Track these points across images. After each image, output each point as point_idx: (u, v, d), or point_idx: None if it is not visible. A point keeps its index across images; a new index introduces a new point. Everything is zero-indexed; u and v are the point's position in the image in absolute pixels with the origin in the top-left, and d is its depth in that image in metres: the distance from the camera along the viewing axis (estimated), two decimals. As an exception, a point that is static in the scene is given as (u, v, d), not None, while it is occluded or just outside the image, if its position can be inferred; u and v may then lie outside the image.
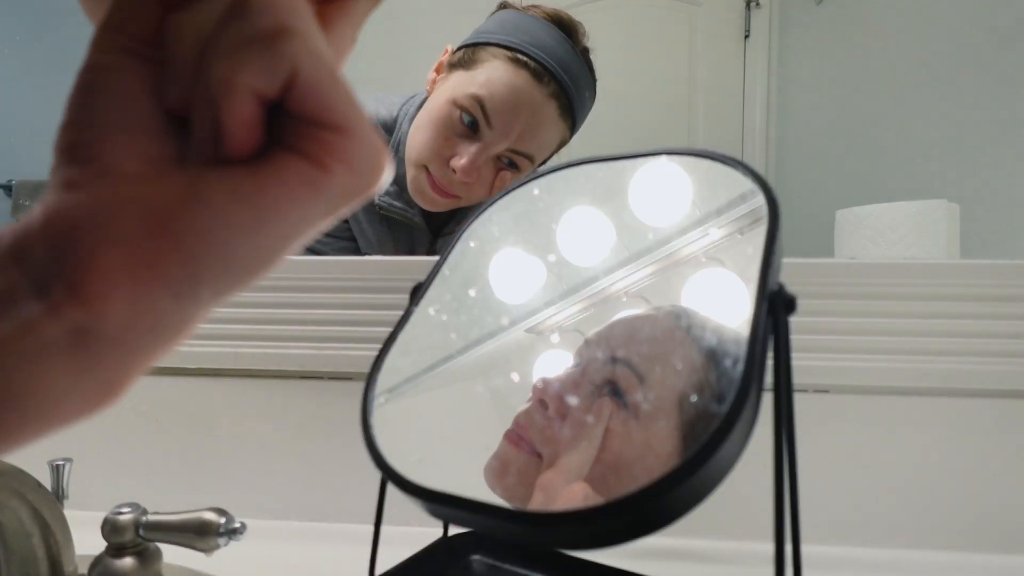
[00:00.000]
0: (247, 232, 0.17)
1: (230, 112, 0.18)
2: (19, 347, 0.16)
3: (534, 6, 0.84)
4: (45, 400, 0.17)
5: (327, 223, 0.19)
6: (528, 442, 0.34)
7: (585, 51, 0.84)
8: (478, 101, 0.78)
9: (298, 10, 0.18)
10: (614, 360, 0.33)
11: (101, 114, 0.18)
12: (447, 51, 0.85)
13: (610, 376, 0.33)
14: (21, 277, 0.17)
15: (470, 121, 0.79)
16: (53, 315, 0.17)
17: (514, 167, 0.83)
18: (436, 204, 0.86)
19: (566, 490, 0.32)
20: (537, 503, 0.32)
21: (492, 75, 0.78)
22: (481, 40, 0.81)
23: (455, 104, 0.79)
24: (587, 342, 0.36)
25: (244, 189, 0.18)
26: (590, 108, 0.87)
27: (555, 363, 0.37)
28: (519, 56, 0.78)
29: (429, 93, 0.87)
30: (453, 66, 0.83)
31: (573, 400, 0.34)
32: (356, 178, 0.19)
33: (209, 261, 0.17)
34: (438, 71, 0.86)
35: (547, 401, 0.34)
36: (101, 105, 0.18)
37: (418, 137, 0.84)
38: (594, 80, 0.85)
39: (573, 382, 0.34)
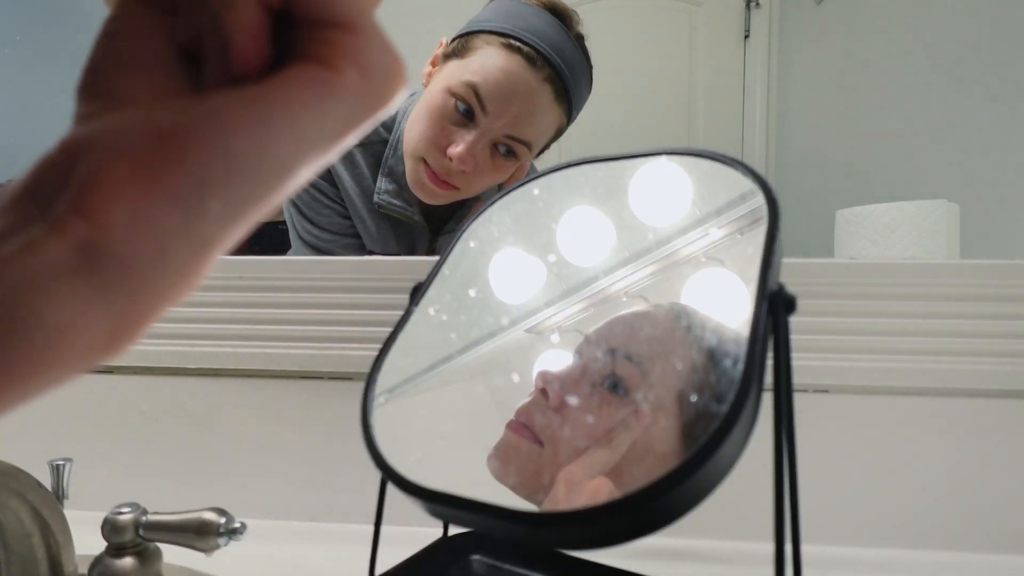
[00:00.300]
0: (255, 138, 0.17)
1: (235, 23, 0.17)
2: (22, 268, 0.15)
3: None
4: (54, 331, 0.16)
5: (339, 142, 0.18)
6: (531, 430, 0.34)
7: (580, 37, 0.83)
8: (472, 87, 0.78)
9: None
10: (614, 353, 0.34)
11: (117, 55, 0.18)
12: (442, 44, 0.85)
13: (612, 370, 0.33)
14: (32, 207, 0.16)
15: (465, 108, 0.79)
16: (57, 232, 0.16)
17: (512, 155, 0.83)
18: (436, 196, 0.86)
19: (590, 484, 0.32)
20: (560, 495, 0.32)
21: (485, 61, 0.78)
22: (474, 28, 0.81)
23: (449, 92, 0.79)
24: (587, 339, 0.36)
25: (251, 95, 0.17)
26: (587, 95, 0.87)
27: (555, 361, 0.37)
28: (512, 41, 0.78)
29: (425, 86, 0.87)
30: (447, 56, 0.83)
31: (574, 391, 0.34)
32: (369, 82, 0.18)
33: (216, 168, 0.16)
34: (433, 64, 0.86)
35: (548, 391, 0.34)
36: (117, 47, 0.18)
37: (415, 129, 0.84)
38: (590, 67, 0.85)
39: (574, 376, 0.34)
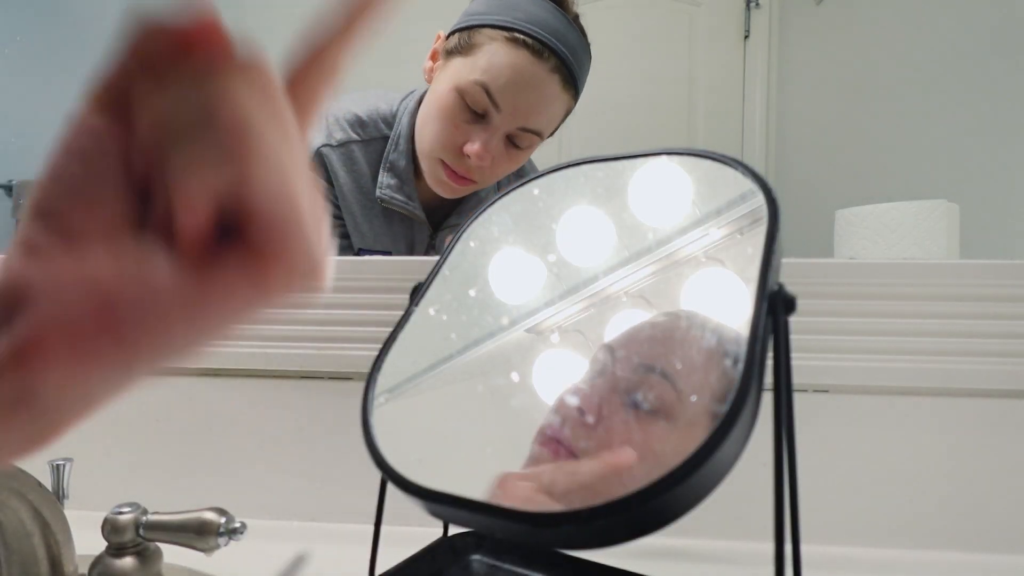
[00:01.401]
0: (185, 325, 0.19)
1: (183, 217, 0.18)
2: None
3: None
4: None
5: (252, 316, 0.21)
6: (564, 444, 0.33)
7: (576, 17, 0.83)
8: (482, 86, 0.78)
9: (261, 124, 0.18)
10: (649, 369, 0.33)
11: (73, 177, 0.19)
12: (439, 37, 0.85)
13: (648, 387, 0.32)
14: None
15: (477, 107, 0.80)
16: None
17: (524, 144, 0.84)
18: (456, 191, 0.88)
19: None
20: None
21: (492, 59, 0.78)
22: (475, 23, 0.80)
23: (459, 92, 0.80)
24: (610, 350, 0.35)
25: (190, 288, 0.18)
26: (588, 71, 0.87)
27: (568, 369, 0.37)
28: (516, 35, 0.77)
29: (428, 82, 0.87)
30: (450, 53, 0.82)
31: (610, 406, 0.33)
32: (295, 278, 0.20)
33: (145, 348, 0.18)
34: (433, 59, 0.85)
35: (585, 406, 0.33)
36: (74, 165, 0.19)
37: (428, 130, 0.85)
38: (588, 44, 0.85)
39: (605, 392, 0.33)
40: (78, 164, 0.19)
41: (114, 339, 0.18)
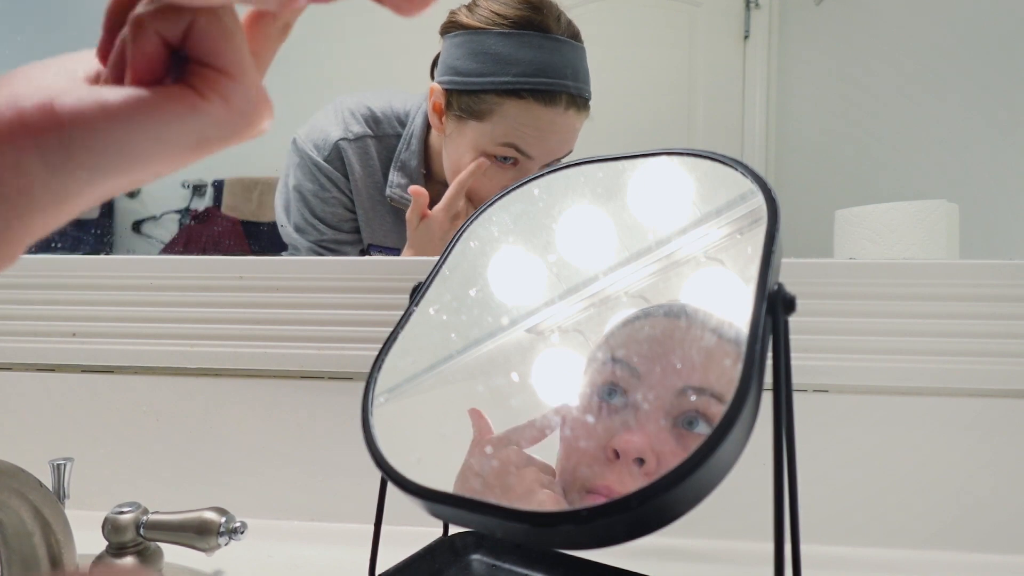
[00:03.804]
0: (123, 126, 0.21)
1: (137, 48, 0.22)
2: None
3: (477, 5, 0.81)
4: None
5: (196, 153, 0.23)
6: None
7: (562, 29, 0.81)
8: (509, 146, 0.80)
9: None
10: (686, 392, 0.32)
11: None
12: (433, 91, 0.84)
13: (694, 408, 0.32)
14: None
15: (510, 160, 0.82)
16: None
17: (552, 164, 0.85)
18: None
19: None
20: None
21: (510, 123, 0.79)
22: (474, 87, 0.79)
23: (487, 155, 0.82)
24: (634, 373, 0.33)
25: (132, 95, 0.21)
26: (587, 65, 0.86)
27: (568, 369, 0.37)
28: (522, 93, 0.78)
29: (439, 132, 0.87)
30: (461, 116, 0.82)
31: (654, 444, 0.32)
32: (232, 114, 0.23)
33: (85, 140, 0.20)
34: (437, 111, 0.85)
35: (645, 459, 0.31)
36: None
37: (453, 173, 0.85)
38: (582, 43, 0.84)
39: (641, 426, 0.32)
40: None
41: (53, 126, 0.20)
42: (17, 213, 0.20)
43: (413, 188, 0.83)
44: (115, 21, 0.23)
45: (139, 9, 0.22)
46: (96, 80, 0.23)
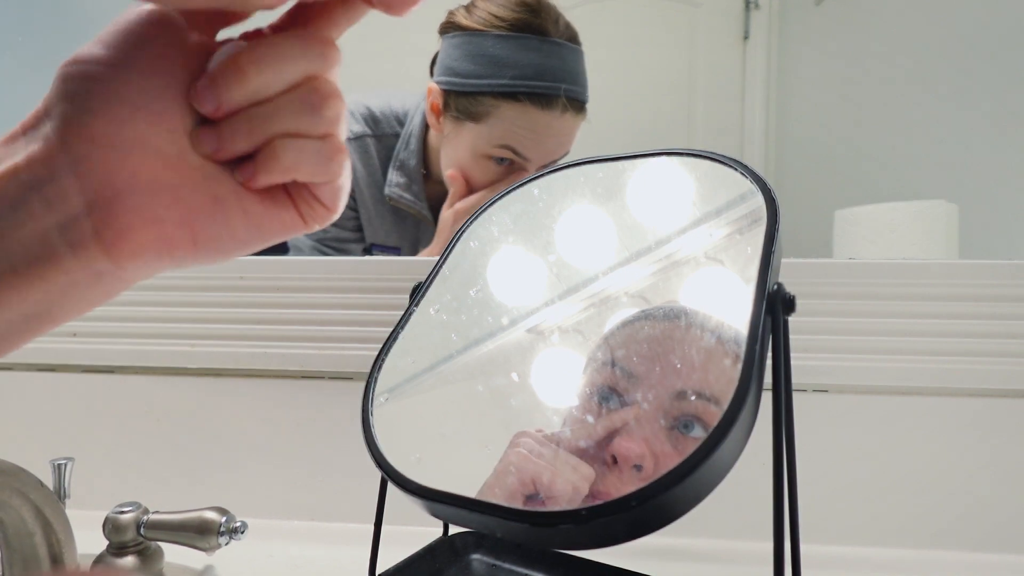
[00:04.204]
0: (238, 241, 0.25)
1: (270, 179, 0.25)
2: (52, 283, 0.22)
3: (475, 7, 0.81)
4: (63, 318, 0.23)
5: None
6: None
7: (559, 26, 0.80)
8: (506, 148, 0.81)
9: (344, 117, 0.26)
10: (683, 396, 0.32)
11: (140, 61, 0.22)
12: (431, 91, 0.84)
13: (691, 412, 0.31)
14: (48, 216, 0.21)
15: (506, 162, 0.82)
16: (81, 258, 0.22)
17: (550, 165, 0.85)
18: None
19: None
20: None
21: (507, 126, 0.79)
22: (471, 89, 0.80)
23: (485, 156, 0.82)
24: (631, 377, 0.33)
25: (252, 213, 0.25)
26: (585, 65, 0.86)
27: (568, 369, 0.37)
28: (519, 96, 0.78)
29: (437, 131, 0.87)
30: (458, 118, 0.82)
31: (650, 449, 0.32)
32: (309, 231, 0.28)
33: (207, 252, 0.25)
34: (435, 111, 0.85)
35: (642, 464, 0.31)
36: (142, 54, 0.23)
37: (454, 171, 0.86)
38: (579, 44, 0.83)
39: (639, 429, 0.32)
40: (149, 54, 0.23)
41: (187, 244, 0.24)
42: (126, 287, 0.25)
43: (451, 173, 0.84)
44: (236, 87, 0.24)
45: (289, 147, 0.24)
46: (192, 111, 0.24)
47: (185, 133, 0.24)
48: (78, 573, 0.39)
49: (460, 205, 0.83)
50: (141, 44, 0.23)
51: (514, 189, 0.45)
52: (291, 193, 0.26)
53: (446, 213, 0.84)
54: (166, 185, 0.23)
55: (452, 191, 0.84)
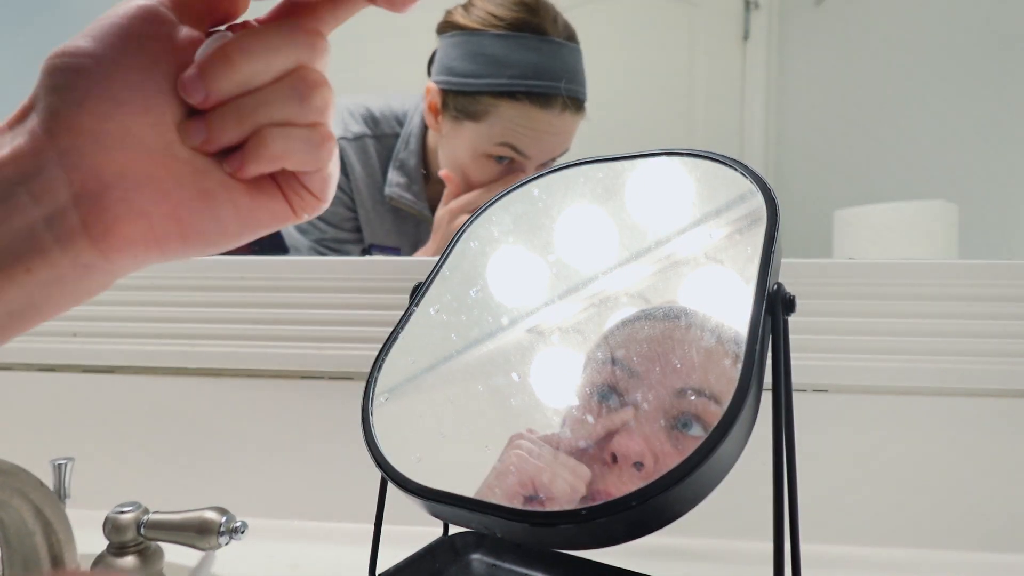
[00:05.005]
0: (228, 233, 0.25)
1: (259, 168, 0.25)
2: (39, 277, 0.22)
3: (473, 6, 0.81)
4: (50, 313, 0.23)
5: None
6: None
7: (557, 25, 0.81)
8: (506, 146, 0.81)
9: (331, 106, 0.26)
10: (683, 394, 0.32)
11: (126, 55, 0.23)
12: (429, 91, 0.84)
13: (690, 411, 0.31)
14: (34, 209, 0.21)
15: (506, 160, 0.82)
16: (68, 252, 0.22)
17: (550, 163, 0.86)
18: None
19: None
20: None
21: (506, 124, 0.79)
22: (470, 88, 0.80)
23: (484, 155, 0.82)
24: (631, 374, 0.33)
25: (240, 204, 0.25)
26: (583, 63, 0.86)
27: (568, 369, 0.37)
28: (518, 95, 0.78)
29: (435, 131, 0.87)
30: (457, 117, 0.82)
31: (651, 449, 0.31)
32: (299, 221, 0.28)
33: (196, 245, 0.24)
34: (433, 111, 0.85)
35: (643, 462, 0.31)
36: (129, 48, 0.23)
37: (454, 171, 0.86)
38: (578, 43, 0.84)
39: (639, 428, 0.32)
40: (135, 49, 0.23)
41: (177, 236, 0.24)
42: (115, 280, 0.24)
43: (444, 173, 0.84)
44: (223, 77, 0.23)
45: (277, 135, 0.24)
46: (182, 104, 0.24)
47: (173, 126, 0.23)
48: (78, 574, 0.39)
49: (454, 204, 0.83)
50: (129, 38, 0.23)
51: (514, 189, 0.45)
52: (280, 184, 0.26)
53: (441, 212, 0.84)
54: (154, 178, 0.23)
55: (447, 190, 0.84)
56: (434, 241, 0.85)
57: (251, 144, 0.24)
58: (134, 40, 0.23)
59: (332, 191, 0.27)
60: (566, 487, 0.31)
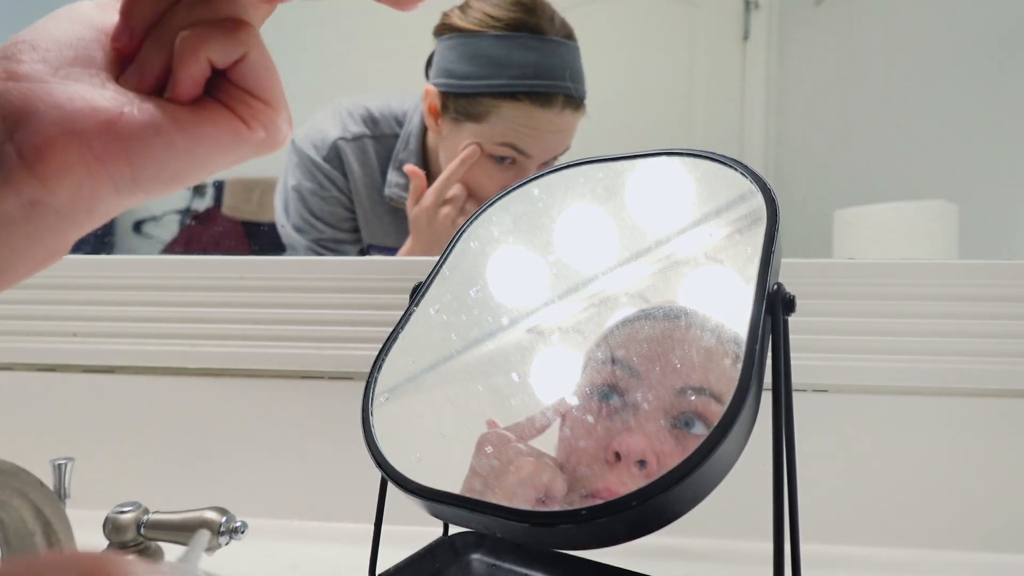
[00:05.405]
0: (179, 154, 0.23)
1: (186, 71, 0.23)
2: None
3: (470, 7, 0.81)
4: (8, 267, 0.21)
5: (227, 168, 0.26)
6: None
7: (554, 24, 0.81)
8: (507, 146, 0.81)
9: (249, 5, 0.25)
10: (684, 392, 0.32)
11: (54, 23, 0.23)
12: (428, 93, 0.85)
13: (692, 409, 0.31)
14: None
15: (507, 160, 0.82)
16: (12, 189, 0.20)
17: (551, 162, 0.86)
18: None
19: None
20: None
21: (507, 124, 0.80)
22: (468, 90, 0.80)
23: (486, 156, 0.82)
24: (632, 372, 0.33)
25: (185, 122, 0.23)
26: (582, 61, 0.86)
27: (568, 369, 0.37)
28: (518, 96, 0.78)
29: (435, 133, 0.87)
30: (457, 119, 0.82)
31: (654, 446, 0.31)
32: (268, 140, 0.25)
33: (147, 169, 0.22)
34: (433, 112, 0.85)
35: (646, 460, 0.31)
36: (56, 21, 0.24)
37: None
38: (576, 42, 0.84)
39: (652, 429, 0.32)
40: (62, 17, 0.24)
41: (121, 156, 0.22)
42: (78, 231, 0.22)
43: (409, 167, 0.84)
44: (137, 9, 0.23)
45: (189, 32, 0.23)
46: (116, 67, 0.24)
47: (113, 86, 0.23)
48: (69, 554, 0.39)
49: (427, 202, 0.82)
50: (63, 22, 0.24)
51: (514, 189, 0.45)
52: (225, 102, 0.25)
53: (415, 212, 0.83)
54: (92, 104, 0.22)
55: (412, 185, 0.83)
56: (415, 242, 0.84)
57: (175, 56, 0.23)
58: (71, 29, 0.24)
59: (276, 92, 0.25)
60: (533, 488, 0.32)
